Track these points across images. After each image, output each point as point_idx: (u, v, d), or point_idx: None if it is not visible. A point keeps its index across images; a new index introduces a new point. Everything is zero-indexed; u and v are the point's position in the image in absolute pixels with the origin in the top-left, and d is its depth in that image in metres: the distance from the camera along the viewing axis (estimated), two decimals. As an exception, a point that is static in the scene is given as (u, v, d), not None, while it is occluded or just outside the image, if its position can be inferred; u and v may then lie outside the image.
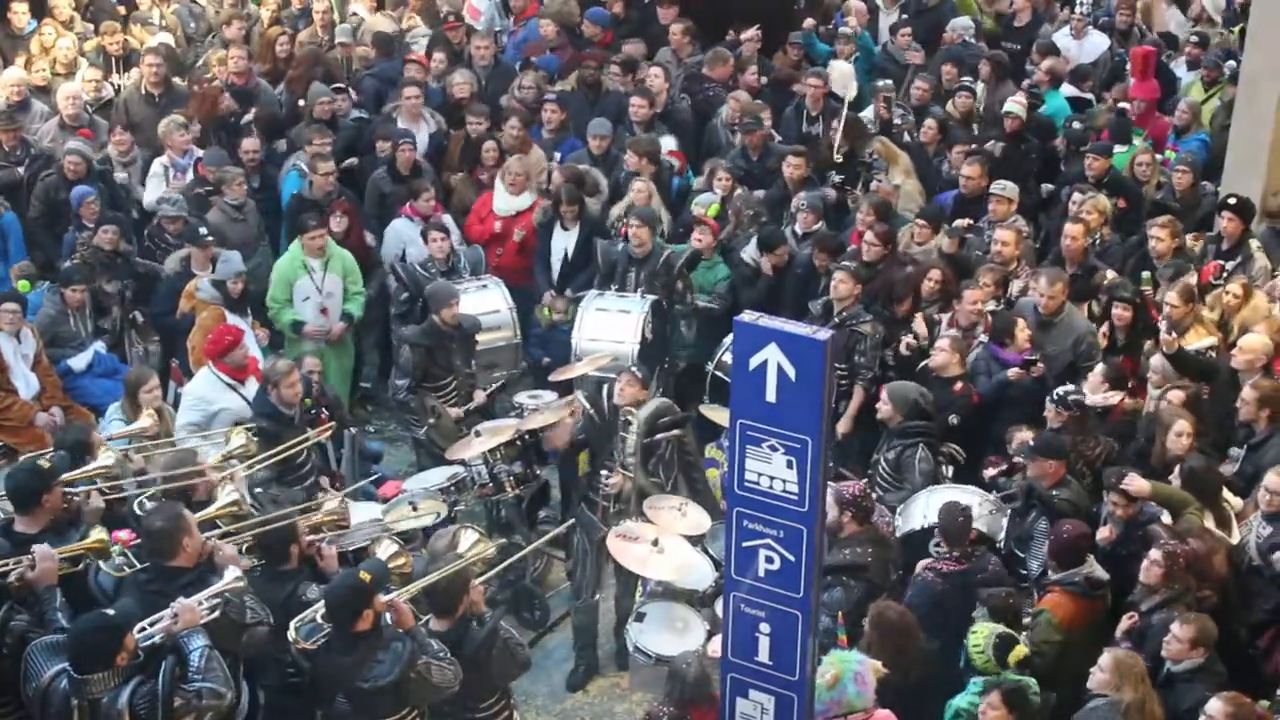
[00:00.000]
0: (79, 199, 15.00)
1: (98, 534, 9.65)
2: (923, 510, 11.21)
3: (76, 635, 8.37)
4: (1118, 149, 15.84)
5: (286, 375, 11.87)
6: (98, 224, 14.63)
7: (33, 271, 14.63)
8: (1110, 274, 13.49)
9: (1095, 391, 11.80)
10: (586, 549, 11.99)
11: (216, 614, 8.88)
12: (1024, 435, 11.63)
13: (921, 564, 10.61)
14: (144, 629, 8.48)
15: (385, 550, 9.99)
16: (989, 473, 11.79)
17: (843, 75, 17.66)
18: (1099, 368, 11.97)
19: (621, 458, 11.89)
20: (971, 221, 14.71)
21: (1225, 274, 13.30)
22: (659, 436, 12.00)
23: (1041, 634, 9.82)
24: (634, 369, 12.17)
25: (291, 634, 9.08)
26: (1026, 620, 9.90)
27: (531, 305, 15.11)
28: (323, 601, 9.12)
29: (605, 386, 12.30)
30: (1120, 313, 12.73)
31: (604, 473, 11.87)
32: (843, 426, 13.06)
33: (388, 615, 9.08)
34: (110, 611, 8.45)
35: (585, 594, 12.13)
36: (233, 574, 9.17)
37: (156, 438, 11.29)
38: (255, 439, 11.22)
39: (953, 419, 12.24)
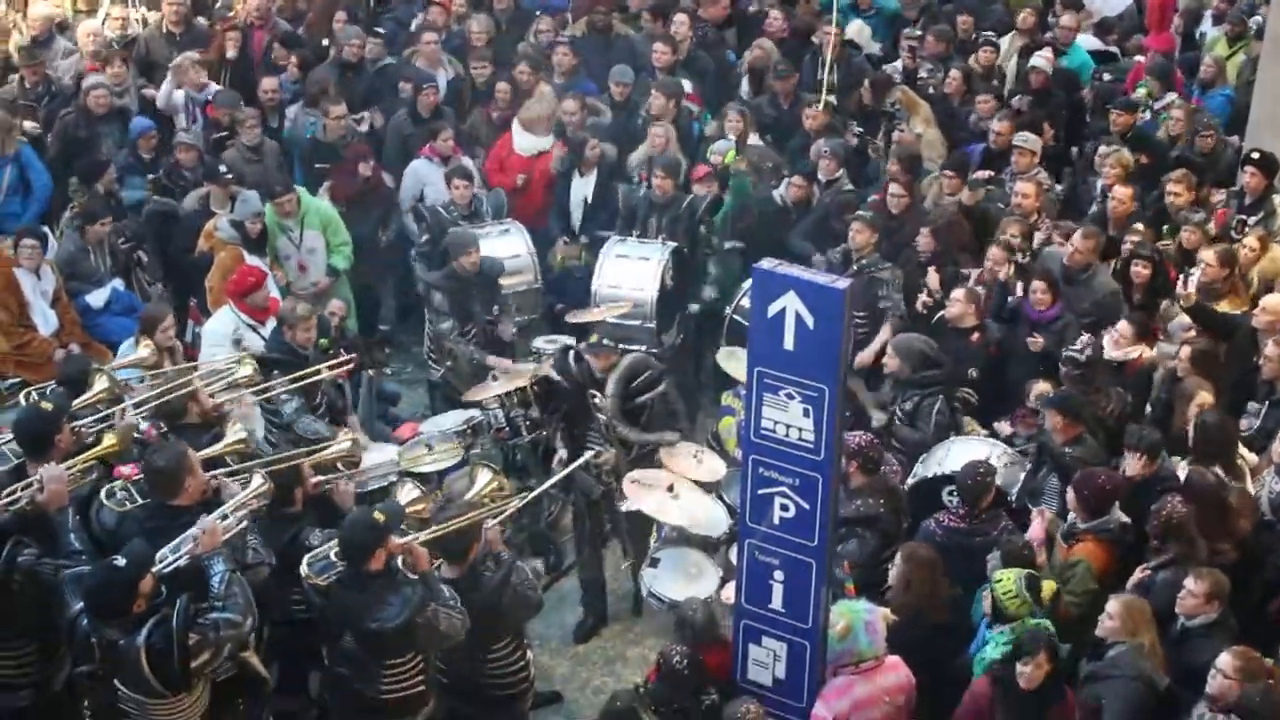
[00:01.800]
0: (138, 132, 15.10)
1: (109, 440, 9.74)
2: (941, 459, 11.23)
3: (89, 589, 8.40)
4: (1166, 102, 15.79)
5: (303, 319, 11.92)
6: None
7: None
8: (1138, 228, 13.43)
9: (1119, 346, 11.78)
10: (584, 509, 12.03)
11: (243, 524, 8.97)
12: (1042, 387, 11.65)
13: (934, 516, 10.63)
14: (165, 557, 8.55)
15: (406, 494, 9.99)
16: (1004, 431, 11.81)
17: (861, 28, 17.70)
18: (1124, 324, 11.93)
19: (600, 429, 11.95)
20: (993, 174, 14.68)
21: (1244, 227, 13.25)
22: (642, 399, 12.03)
23: (1080, 584, 9.82)
24: (604, 343, 12.13)
25: (305, 569, 9.13)
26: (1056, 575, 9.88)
27: (547, 249, 15.12)
28: (337, 538, 9.17)
29: (571, 353, 12.32)
30: (1139, 270, 12.70)
31: (589, 453, 11.83)
32: (865, 358, 13.03)
33: (401, 559, 9.12)
34: (120, 561, 8.40)
35: (586, 549, 12.19)
36: (256, 483, 9.28)
37: (155, 368, 11.29)
38: (271, 372, 11.29)
39: (972, 373, 12.25)
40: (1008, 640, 9.17)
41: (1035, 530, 10.18)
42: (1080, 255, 12.74)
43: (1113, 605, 9.16)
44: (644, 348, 13.50)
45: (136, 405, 10.33)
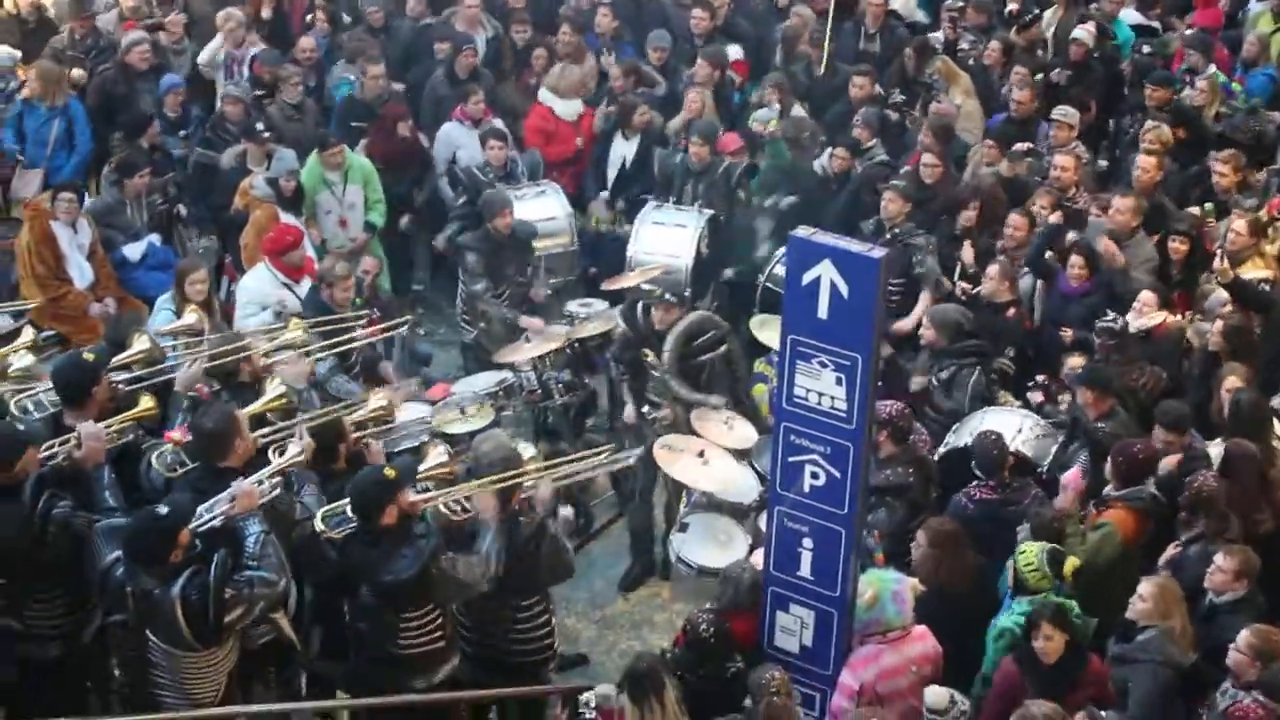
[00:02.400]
0: (166, 88, 15.15)
1: (145, 402, 9.79)
2: (972, 430, 11.20)
3: (130, 534, 8.51)
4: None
5: (342, 278, 11.98)
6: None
7: None
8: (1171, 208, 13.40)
9: (1142, 315, 11.77)
10: (641, 460, 11.97)
11: (277, 492, 9.03)
12: (1075, 361, 11.65)
13: (965, 489, 10.65)
14: (200, 515, 8.62)
15: (437, 455, 10.03)
16: (1035, 399, 11.81)
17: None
18: (1146, 292, 11.91)
19: (656, 385, 11.98)
20: (1032, 146, 14.65)
21: (1282, 206, 13.24)
22: (703, 358, 12.04)
23: (1103, 546, 9.84)
24: (667, 296, 12.15)
25: (319, 524, 9.19)
26: (1073, 532, 9.88)
27: (583, 207, 15.17)
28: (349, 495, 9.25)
29: (639, 305, 12.33)
30: (1177, 245, 12.66)
31: (646, 410, 11.87)
32: (903, 326, 12.99)
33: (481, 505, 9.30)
34: (163, 509, 8.50)
35: (637, 500, 12.24)
36: (295, 449, 9.35)
37: (202, 334, 11.25)
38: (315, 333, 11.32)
39: (1009, 352, 12.27)
40: (1023, 611, 9.22)
41: (1066, 498, 10.19)
42: (1122, 217, 12.72)
43: (1145, 587, 9.15)
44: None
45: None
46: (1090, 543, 9.86)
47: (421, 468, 9.90)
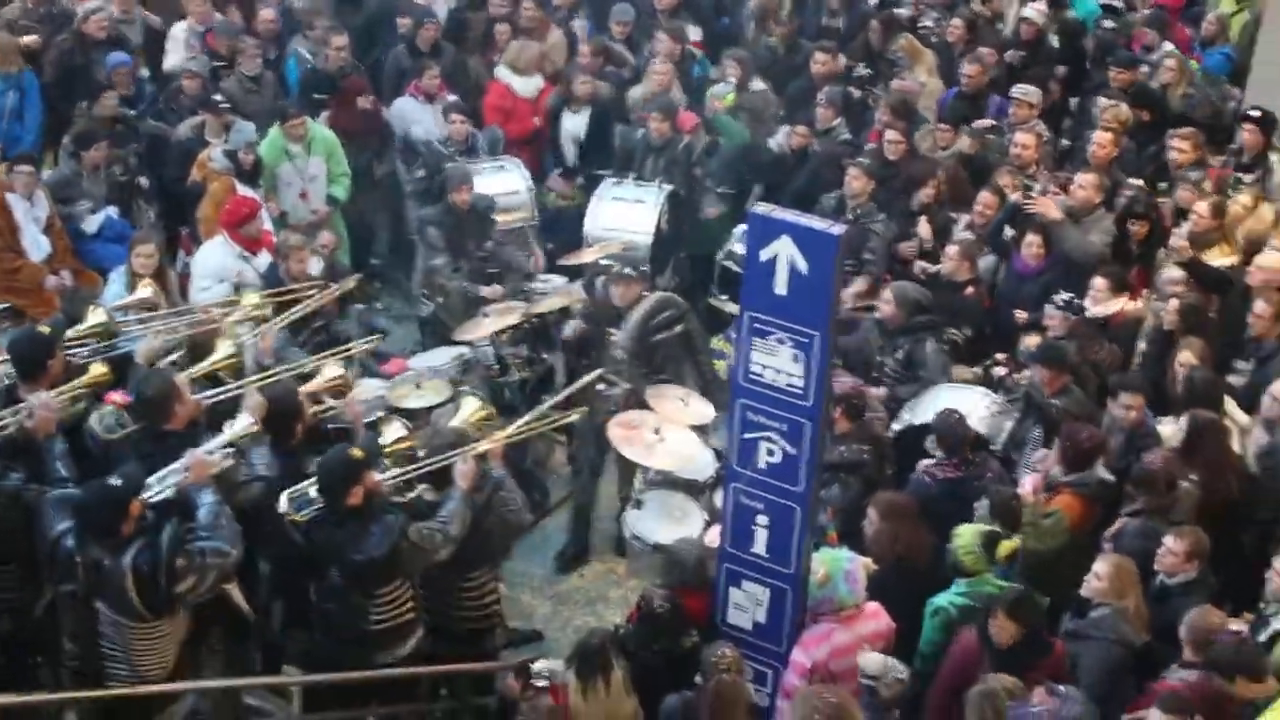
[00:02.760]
0: (113, 65, 14.96)
1: (97, 370, 9.76)
2: (927, 407, 11.22)
3: (82, 506, 8.50)
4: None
5: (296, 249, 11.94)
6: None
7: None
8: (1133, 182, 13.42)
9: (1098, 302, 11.79)
10: (588, 432, 12.01)
11: (229, 463, 9.03)
12: (1032, 340, 11.67)
13: (922, 465, 10.67)
14: (152, 486, 8.61)
15: (393, 431, 10.02)
16: (999, 371, 11.83)
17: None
18: (1099, 279, 11.93)
19: (612, 363, 11.94)
20: (995, 123, 14.66)
21: (1240, 185, 13.26)
22: (660, 337, 12.04)
23: (1048, 535, 9.84)
24: (628, 271, 12.13)
25: (284, 506, 9.17)
26: (1028, 520, 9.90)
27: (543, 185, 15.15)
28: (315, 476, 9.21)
29: (601, 280, 12.30)
30: (1136, 228, 12.70)
31: (602, 387, 11.81)
32: (846, 303, 12.91)
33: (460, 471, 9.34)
34: (115, 481, 8.50)
35: (586, 474, 12.22)
36: (245, 420, 9.33)
37: (157, 308, 11.25)
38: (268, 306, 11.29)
39: (967, 330, 12.28)
40: (961, 592, 9.24)
41: (1026, 487, 10.21)
42: (1083, 193, 12.76)
43: (1101, 566, 9.16)
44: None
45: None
46: (1040, 530, 9.86)
47: (381, 442, 9.88)
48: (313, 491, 9.16)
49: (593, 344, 12.20)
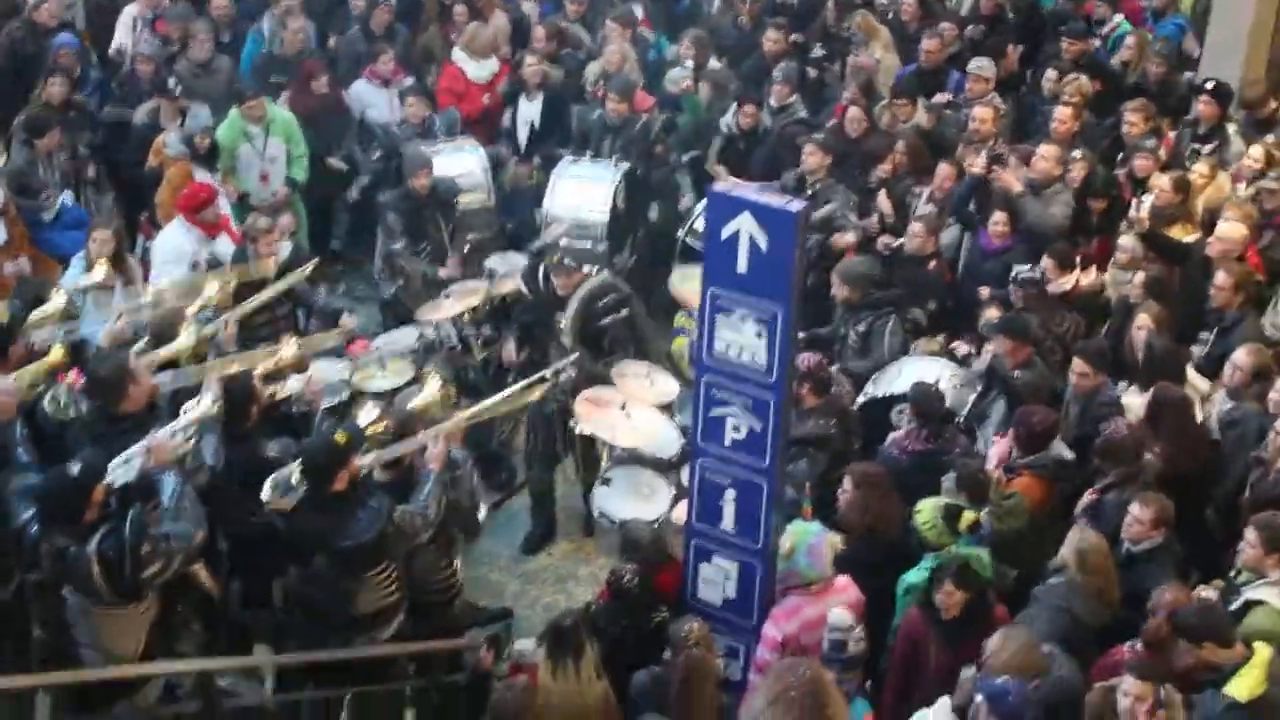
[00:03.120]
0: (59, 45, 14.86)
1: (56, 353, 9.77)
2: (892, 379, 11.29)
3: (43, 494, 8.46)
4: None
5: (265, 233, 11.90)
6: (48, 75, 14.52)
7: None
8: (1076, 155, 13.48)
9: (1055, 279, 11.85)
10: (538, 422, 12.03)
11: (191, 443, 8.99)
12: (992, 313, 11.72)
13: (892, 437, 10.71)
14: (114, 470, 8.58)
15: (366, 414, 9.97)
16: (960, 351, 11.89)
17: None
18: (1046, 259, 11.97)
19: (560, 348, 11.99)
20: (951, 98, 14.73)
21: (1198, 156, 13.34)
22: (605, 321, 12.06)
23: (1009, 517, 9.84)
24: (566, 262, 12.15)
25: (267, 493, 9.16)
26: (992, 500, 9.95)
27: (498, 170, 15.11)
28: (299, 462, 9.19)
29: (540, 270, 12.31)
30: (1096, 204, 12.77)
31: (549, 373, 11.66)
32: (848, 239, 12.99)
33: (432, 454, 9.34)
34: (75, 467, 8.43)
35: (538, 465, 12.22)
36: (209, 399, 9.32)
37: (113, 289, 11.33)
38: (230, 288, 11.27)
39: (931, 305, 12.33)
40: (929, 567, 9.26)
41: (993, 460, 10.26)
42: (1045, 164, 12.82)
43: (1072, 540, 9.15)
44: (595, 269, 13.57)
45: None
46: (1001, 511, 9.88)
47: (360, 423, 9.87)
48: (294, 478, 9.16)
49: (538, 333, 12.23)
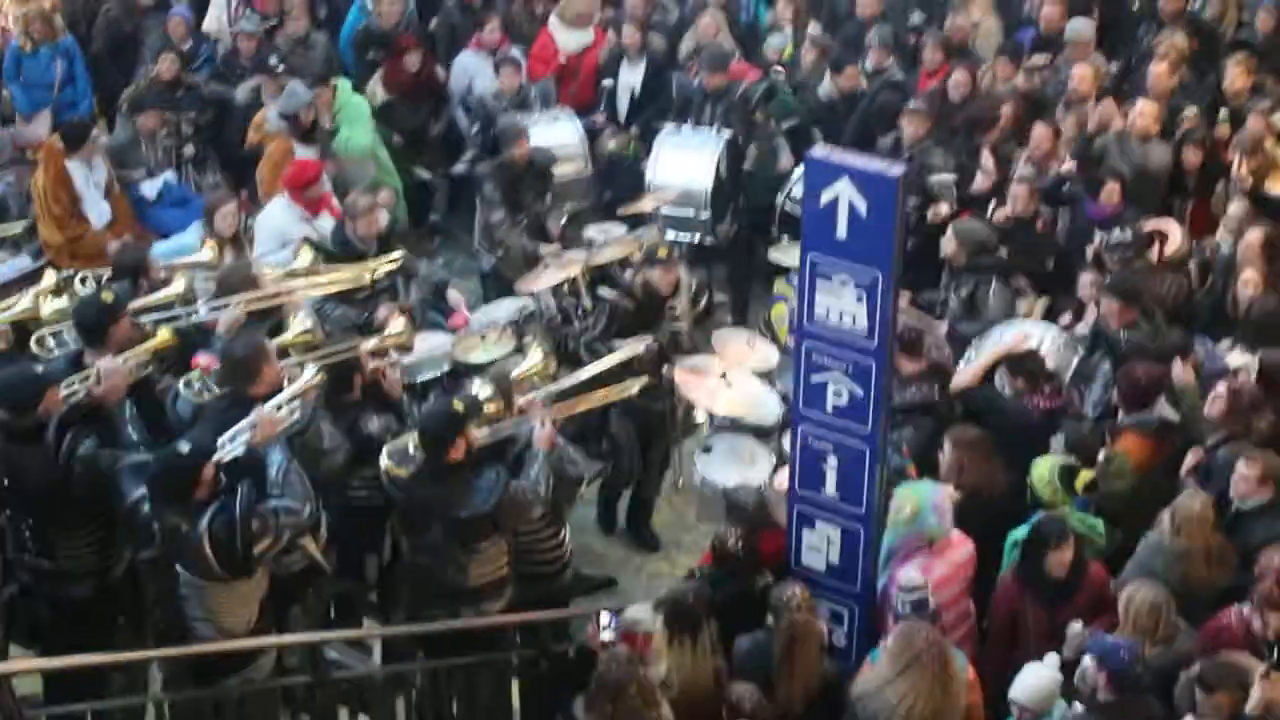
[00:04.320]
0: (170, 17, 15.08)
1: (163, 334, 9.87)
2: (994, 343, 11.20)
3: (154, 474, 8.57)
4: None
5: (366, 211, 11.93)
6: (159, 52, 14.68)
7: None
8: (1191, 112, 13.37)
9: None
10: (626, 438, 11.98)
11: (296, 416, 9.10)
12: (1090, 277, 11.65)
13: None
14: (223, 446, 8.69)
15: (482, 391, 9.96)
16: (1064, 320, 11.84)
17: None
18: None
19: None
20: (1050, 58, 14.60)
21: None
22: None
23: (1114, 478, 9.76)
24: (667, 255, 11.88)
25: (384, 460, 9.30)
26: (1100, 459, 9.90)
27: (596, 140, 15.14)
28: (415, 430, 9.28)
29: (631, 287, 12.08)
30: (1190, 156, 12.67)
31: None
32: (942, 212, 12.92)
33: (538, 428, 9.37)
34: (184, 447, 8.55)
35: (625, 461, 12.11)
36: (309, 374, 9.41)
37: (215, 267, 11.42)
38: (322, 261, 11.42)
39: (1049, 264, 12.33)
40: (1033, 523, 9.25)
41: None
42: (1143, 121, 12.75)
43: (1178, 505, 9.10)
44: (698, 237, 13.61)
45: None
46: (1107, 472, 9.79)
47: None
48: (412, 447, 9.24)
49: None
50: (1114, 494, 9.71)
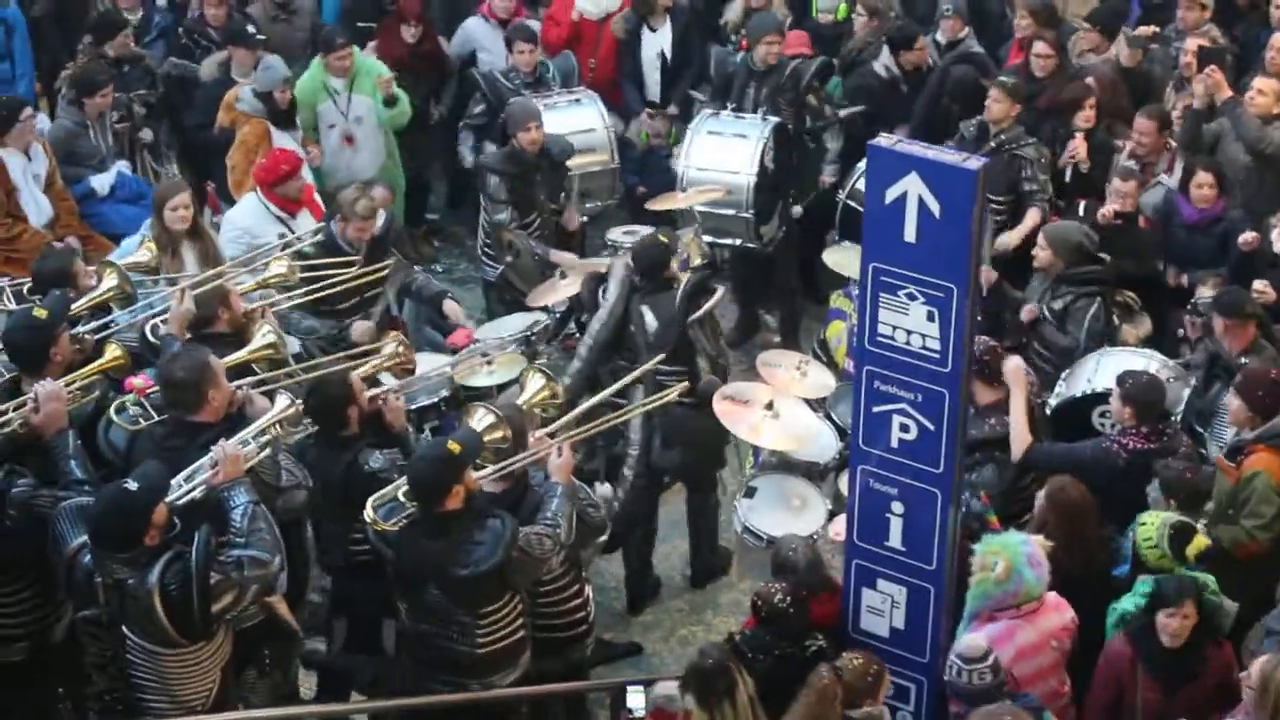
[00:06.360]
0: None
1: (113, 352, 9.82)
2: (1090, 374, 11.18)
3: (97, 515, 8.43)
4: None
5: (365, 216, 11.81)
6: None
7: None
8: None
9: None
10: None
11: (266, 453, 9.00)
12: (1207, 290, 11.58)
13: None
14: (178, 487, 8.59)
15: (481, 420, 9.76)
16: (1189, 328, 11.81)
17: None
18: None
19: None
20: (1157, 30, 14.51)
21: None
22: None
23: (1259, 502, 9.71)
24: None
25: (369, 514, 9.14)
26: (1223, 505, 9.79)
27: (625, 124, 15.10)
28: (405, 476, 9.19)
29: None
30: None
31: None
32: (1009, 240, 12.93)
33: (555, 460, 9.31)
34: (132, 484, 8.40)
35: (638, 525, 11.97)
36: (284, 401, 9.31)
37: (156, 272, 11.34)
38: (299, 269, 11.34)
39: (1160, 265, 12.38)
40: (1145, 592, 9.10)
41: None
42: (1263, 99, 12.73)
43: None
44: (739, 241, 13.54)
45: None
46: (1248, 508, 9.70)
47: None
48: (401, 495, 9.17)
49: None
50: (1266, 525, 9.63)
